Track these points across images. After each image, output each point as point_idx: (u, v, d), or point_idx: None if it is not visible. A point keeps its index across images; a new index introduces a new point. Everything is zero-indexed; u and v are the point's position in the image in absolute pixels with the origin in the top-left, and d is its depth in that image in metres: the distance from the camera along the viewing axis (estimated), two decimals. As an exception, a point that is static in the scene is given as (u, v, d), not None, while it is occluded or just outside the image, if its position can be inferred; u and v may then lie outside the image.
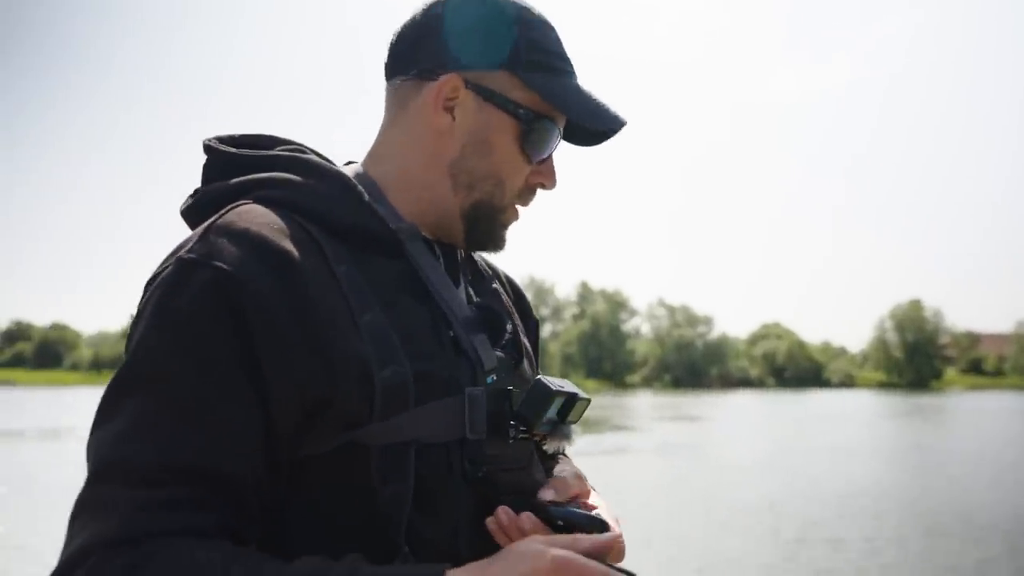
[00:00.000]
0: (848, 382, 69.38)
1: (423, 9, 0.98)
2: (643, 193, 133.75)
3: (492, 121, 0.96)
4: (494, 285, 1.10)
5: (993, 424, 26.14)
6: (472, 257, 1.10)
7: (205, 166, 0.98)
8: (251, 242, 0.82)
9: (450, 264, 1.01)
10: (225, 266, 0.80)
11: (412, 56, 0.98)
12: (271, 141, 1.01)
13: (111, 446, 0.77)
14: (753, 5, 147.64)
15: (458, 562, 0.79)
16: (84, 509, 0.76)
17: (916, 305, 72.91)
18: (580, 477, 1.01)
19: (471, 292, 1.04)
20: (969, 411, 34.09)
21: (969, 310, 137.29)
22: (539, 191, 1.02)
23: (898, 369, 71.12)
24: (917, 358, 70.47)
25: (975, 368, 76.22)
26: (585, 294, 78.86)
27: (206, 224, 0.86)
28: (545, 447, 0.97)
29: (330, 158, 1.03)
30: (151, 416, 0.77)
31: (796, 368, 69.15)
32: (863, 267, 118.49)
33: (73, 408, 31.26)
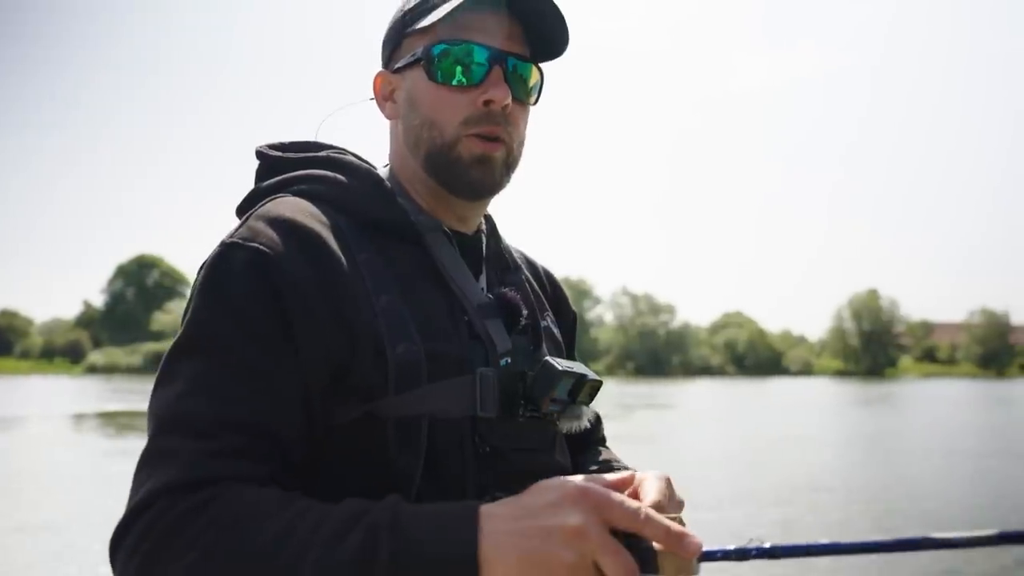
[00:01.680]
0: (807, 370, 70.59)
1: None
2: (608, 182, 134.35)
3: (410, 81, 1.05)
4: (523, 276, 1.17)
5: (946, 410, 26.81)
6: (503, 252, 1.16)
7: (257, 169, 1.10)
8: (285, 226, 0.93)
9: (471, 255, 1.08)
10: (262, 247, 0.91)
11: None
12: (317, 146, 1.11)
13: (171, 405, 0.85)
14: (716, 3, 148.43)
15: None
16: (148, 460, 0.83)
17: (873, 295, 74.44)
18: (664, 478, 0.89)
19: (496, 282, 1.10)
20: (923, 398, 34.92)
21: (923, 300, 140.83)
22: (492, 108, 1.01)
23: (855, 357, 72.62)
24: (873, 346, 72.04)
25: (929, 356, 78.12)
26: (549, 283, 78.37)
27: (248, 213, 0.98)
28: (559, 427, 1.00)
29: (369, 160, 1.12)
30: (206, 378, 0.86)
31: (756, 356, 70.17)
32: (823, 257, 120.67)
33: (24, 398, 30.56)
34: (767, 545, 1.50)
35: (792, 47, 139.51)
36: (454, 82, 1.01)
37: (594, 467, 1.20)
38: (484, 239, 1.13)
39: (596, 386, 1.00)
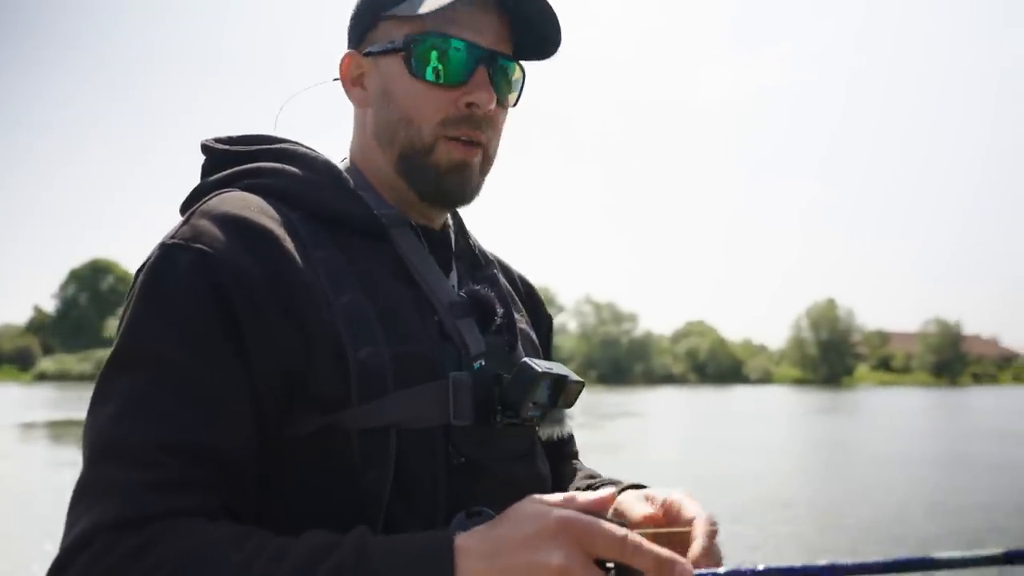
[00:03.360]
0: (766, 378, 71.43)
1: None
2: (571, 189, 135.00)
3: (385, 69, 0.97)
4: (493, 272, 1.08)
5: (901, 419, 27.30)
6: (472, 248, 1.09)
7: (203, 165, 1.01)
8: (230, 224, 0.85)
9: (440, 251, 1.00)
10: (206, 247, 0.83)
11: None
12: (269, 140, 1.02)
13: (107, 428, 0.77)
14: (683, 7, 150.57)
15: None
16: (84, 492, 0.75)
17: (830, 304, 75.66)
18: (650, 497, 0.91)
19: (468, 279, 1.02)
20: (879, 407, 35.54)
21: (879, 310, 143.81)
22: (475, 112, 0.95)
23: (813, 365, 73.66)
24: (831, 355, 73.12)
25: (884, 365, 79.63)
26: (513, 291, 78.62)
27: (190, 211, 0.90)
28: (540, 433, 0.94)
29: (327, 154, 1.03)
30: (145, 395, 0.78)
31: (717, 365, 70.81)
32: (784, 267, 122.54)
33: (-27, 406, 29.56)
34: (760, 568, 1.41)
35: (757, 58, 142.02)
36: (436, 79, 0.94)
37: (579, 485, 1.10)
38: (452, 235, 1.06)
39: (578, 388, 0.93)
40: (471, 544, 0.69)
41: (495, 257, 1.16)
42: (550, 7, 0.96)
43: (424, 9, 0.91)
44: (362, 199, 0.96)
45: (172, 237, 0.86)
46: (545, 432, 0.94)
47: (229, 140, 1.03)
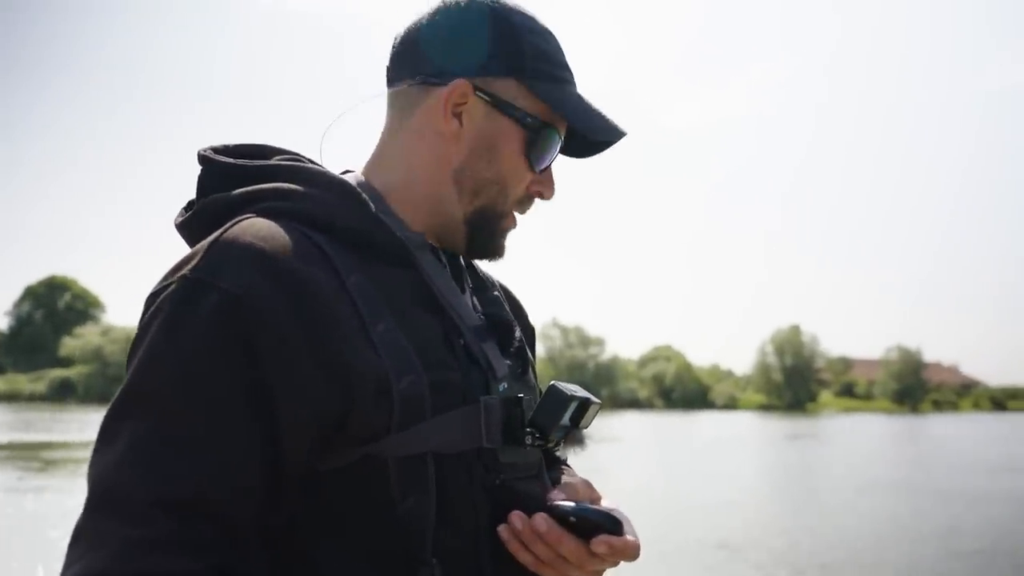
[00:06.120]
0: (732, 404, 71.83)
1: (428, 13, 0.99)
2: (539, 213, 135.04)
3: (499, 128, 0.97)
4: (495, 293, 1.10)
5: (866, 446, 27.43)
6: (472, 266, 1.10)
7: (201, 177, 0.96)
8: (258, 260, 0.81)
9: (455, 272, 1.02)
10: (232, 288, 0.79)
11: (418, 61, 0.98)
12: (267, 151, 1.00)
13: (108, 474, 0.77)
14: (650, 35, 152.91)
15: (480, 572, 0.87)
16: (80, 538, 0.76)
17: (795, 331, 76.42)
18: (590, 484, 1.04)
19: (475, 300, 1.04)
20: (842, 433, 35.75)
21: (843, 337, 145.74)
22: (537, 200, 1.04)
23: (778, 391, 74.25)
24: (795, 381, 73.77)
25: (847, 391, 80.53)
26: (480, 313, 78.33)
27: (210, 240, 0.84)
28: (557, 453, 0.99)
29: (326, 167, 1.01)
30: (149, 445, 0.77)
31: (683, 390, 71.01)
32: (751, 292, 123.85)
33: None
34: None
35: (726, 87, 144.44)
36: (537, 168, 1.00)
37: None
38: (462, 258, 1.06)
39: (597, 409, 0.98)
40: None
41: (485, 273, 1.15)
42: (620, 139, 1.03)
43: (574, 118, 0.99)
44: (383, 221, 0.93)
45: (194, 269, 0.81)
46: (566, 451, 0.99)
47: (227, 150, 0.98)
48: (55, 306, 69.12)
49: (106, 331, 57.30)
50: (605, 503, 1.02)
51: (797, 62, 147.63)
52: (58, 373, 54.53)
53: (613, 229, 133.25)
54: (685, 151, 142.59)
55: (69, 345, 55.73)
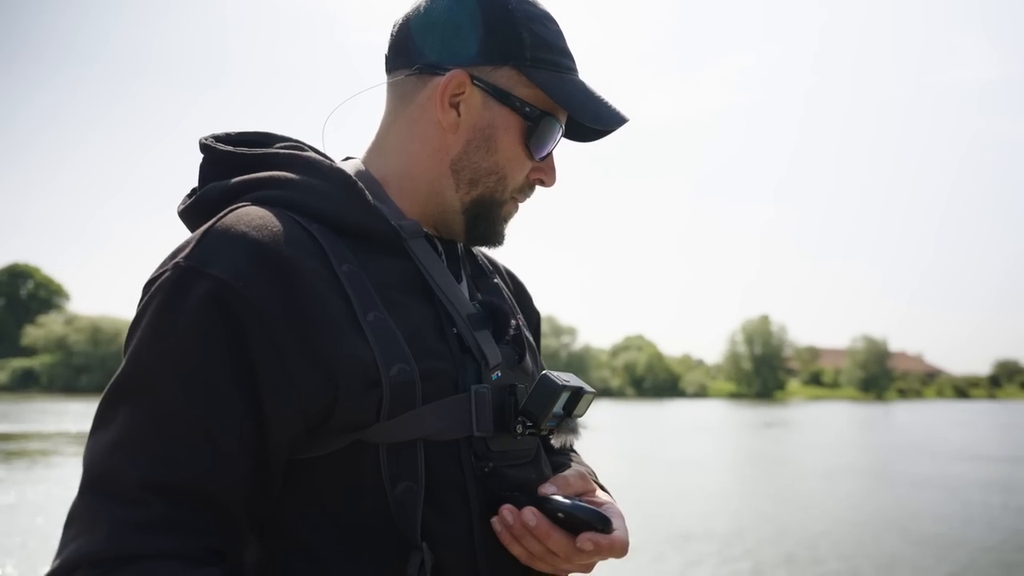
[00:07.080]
0: (702, 392, 72.47)
1: (427, 2, 0.97)
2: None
3: (497, 118, 0.96)
4: (495, 280, 1.10)
5: (832, 433, 27.82)
6: (472, 252, 1.10)
7: (202, 165, 0.97)
8: (250, 248, 0.83)
9: (452, 260, 1.01)
10: (223, 276, 0.81)
11: (415, 50, 0.97)
12: (269, 138, 1.00)
13: (102, 457, 0.79)
14: (622, 28, 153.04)
15: (473, 558, 0.88)
16: (74, 519, 0.78)
17: (764, 320, 77.26)
18: (584, 475, 1.01)
19: (473, 287, 1.04)
20: (810, 420, 36.25)
21: (810, 326, 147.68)
22: (538, 188, 1.03)
23: (747, 380, 75.07)
24: (764, 370, 74.63)
25: (815, 380, 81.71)
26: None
27: (204, 228, 0.86)
28: (552, 442, 0.99)
29: (328, 154, 1.02)
30: (142, 429, 0.78)
31: (655, 379, 71.52)
32: (723, 282, 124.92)
33: None
34: None
35: (698, 80, 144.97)
36: (536, 156, 0.99)
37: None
38: (460, 245, 1.05)
39: (591, 398, 0.98)
40: None
41: (485, 256, 1.14)
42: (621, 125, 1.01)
43: (573, 107, 0.97)
44: (379, 209, 0.93)
45: (188, 257, 0.82)
46: (559, 440, 0.97)
47: (229, 138, 0.98)
48: (17, 295, 67.67)
49: (70, 320, 56.32)
50: (602, 496, 1.02)
51: (783, 51, 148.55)
52: (20, 363, 53.43)
53: (586, 220, 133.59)
54: (658, 144, 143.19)
55: (32, 334, 54.57)
